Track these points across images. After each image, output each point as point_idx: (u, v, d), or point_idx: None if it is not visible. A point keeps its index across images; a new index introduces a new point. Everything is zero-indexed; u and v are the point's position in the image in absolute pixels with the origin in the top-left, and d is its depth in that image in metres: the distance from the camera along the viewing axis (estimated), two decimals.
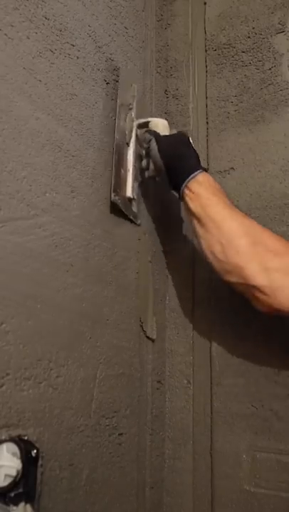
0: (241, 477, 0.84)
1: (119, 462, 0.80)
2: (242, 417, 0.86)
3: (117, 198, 0.84)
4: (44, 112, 0.73)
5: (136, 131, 0.92)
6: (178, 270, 1.00)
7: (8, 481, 0.57)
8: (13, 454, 0.58)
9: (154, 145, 0.85)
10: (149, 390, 0.90)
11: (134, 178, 0.90)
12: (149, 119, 0.92)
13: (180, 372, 0.95)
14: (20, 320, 0.64)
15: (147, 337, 0.91)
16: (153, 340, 0.93)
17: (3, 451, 0.58)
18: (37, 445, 0.62)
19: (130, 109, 0.92)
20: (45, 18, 0.75)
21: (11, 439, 0.59)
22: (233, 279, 0.74)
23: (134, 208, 0.91)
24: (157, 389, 0.93)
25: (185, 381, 0.94)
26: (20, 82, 0.69)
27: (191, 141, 0.86)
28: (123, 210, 0.87)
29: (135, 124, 0.92)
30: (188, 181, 0.80)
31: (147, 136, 0.87)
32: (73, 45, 0.81)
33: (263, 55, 0.98)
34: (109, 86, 0.89)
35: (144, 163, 0.90)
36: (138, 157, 0.91)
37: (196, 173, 0.80)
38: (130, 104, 0.93)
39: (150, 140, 0.86)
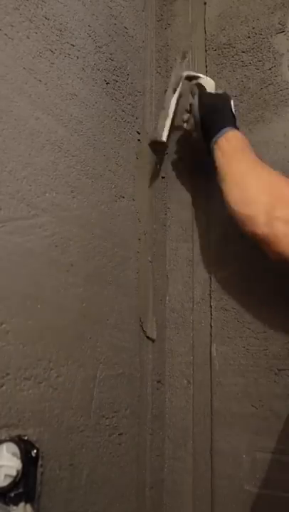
0: (241, 477, 0.84)
1: (119, 462, 0.80)
2: (242, 417, 0.86)
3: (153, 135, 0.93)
4: (44, 112, 0.73)
5: (182, 80, 0.95)
6: (178, 270, 1.00)
7: (8, 481, 0.57)
8: (13, 454, 0.58)
9: (196, 99, 0.89)
10: (149, 390, 0.90)
11: (172, 125, 0.94)
12: (201, 75, 0.96)
13: (180, 372, 0.95)
14: (20, 320, 0.64)
15: (147, 337, 0.91)
16: (153, 341, 0.93)
17: (3, 451, 0.58)
18: (37, 445, 0.62)
19: (185, 57, 0.99)
20: (45, 18, 0.75)
21: (11, 439, 0.59)
22: (246, 229, 0.75)
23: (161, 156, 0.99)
24: (157, 389, 0.93)
25: (185, 381, 0.94)
26: (20, 82, 0.69)
27: (232, 103, 0.88)
28: (152, 150, 0.97)
29: (185, 74, 0.96)
30: (218, 137, 0.82)
31: (194, 90, 0.92)
32: (73, 45, 0.81)
33: (263, 55, 0.98)
34: (109, 86, 0.89)
35: (185, 116, 0.95)
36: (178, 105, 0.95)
37: (225, 129, 0.83)
38: (186, 52, 1.00)
39: (195, 94, 0.90)
